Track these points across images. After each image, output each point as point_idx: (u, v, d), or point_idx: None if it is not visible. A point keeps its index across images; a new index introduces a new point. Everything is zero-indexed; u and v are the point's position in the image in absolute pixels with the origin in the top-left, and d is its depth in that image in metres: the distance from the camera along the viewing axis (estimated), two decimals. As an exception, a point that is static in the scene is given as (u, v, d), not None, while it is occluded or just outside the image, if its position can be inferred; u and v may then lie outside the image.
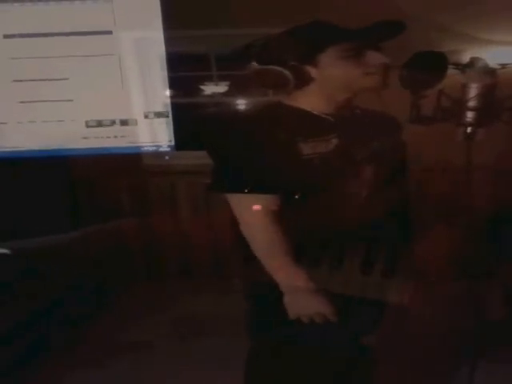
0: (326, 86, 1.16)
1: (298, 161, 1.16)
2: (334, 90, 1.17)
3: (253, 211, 1.19)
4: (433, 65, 1.22)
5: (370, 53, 1.13)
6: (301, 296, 1.23)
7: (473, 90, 1.29)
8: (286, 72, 1.13)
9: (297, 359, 1.32)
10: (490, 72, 1.29)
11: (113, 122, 1.33)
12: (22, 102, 1.30)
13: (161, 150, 1.36)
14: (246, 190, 1.18)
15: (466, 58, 1.31)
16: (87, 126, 1.33)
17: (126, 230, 2.48)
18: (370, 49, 1.13)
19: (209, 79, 2.21)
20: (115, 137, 1.34)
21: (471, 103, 1.30)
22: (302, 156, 1.16)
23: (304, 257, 1.24)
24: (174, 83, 1.33)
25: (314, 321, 1.23)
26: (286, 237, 1.20)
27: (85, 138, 1.34)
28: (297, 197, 1.20)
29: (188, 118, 1.53)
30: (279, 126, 1.17)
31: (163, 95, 1.32)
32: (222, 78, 2.21)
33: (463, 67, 1.29)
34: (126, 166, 2.05)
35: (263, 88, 1.27)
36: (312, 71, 1.14)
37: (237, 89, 2.02)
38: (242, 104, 2.03)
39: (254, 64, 1.17)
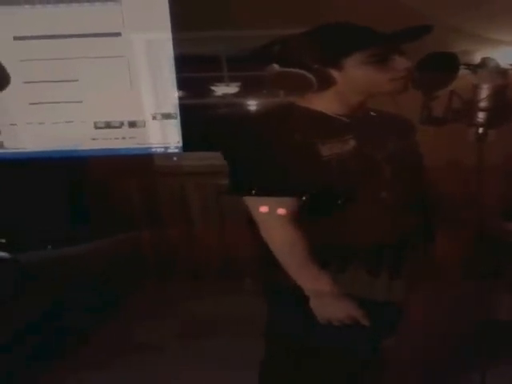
0: (347, 89, 1.14)
1: (316, 162, 1.14)
2: (353, 93, 1.15)
3: (272, 214, 1.18)
4: (444, 65, 1.20)
5: (395, 57, 1.11)
6: (328, 300, 1.22)
7: (484, 91, 1.28)
8: (310, 75, 1.10)
9: (314, 361, 1.32)
10: (502, 72, 1.27)
11: (121, 124, 1.34)
12: (31, 104, 1.32)
13: (169, 151, 1.36)
14: (265, 193, 1.17)
15: (477, 58, 1.29)
16: (96, 127, 1.34)
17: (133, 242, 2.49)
18: (395, 53, 1.11)
19: (220, 80, 2.20)
20: (123, 138, 1.35)
21: (483, 104, 1.29)
22: (320, 158, 1.14)
23: (325, 259, 1.23)
24: (182, 84, 1.33)
25: (345, 324, 1.22)
26: (307, 239, 1.19)
27: (93, 139, 1.35)
28: (315, 198, 1.17)
29: (198, 119, 1.53)
30: (294, 128, 1.15)
31: (171, 97, 1.32)
32: (236, 80, 2.20)
33: (474, 68, 1.27)
34: (135, 166, 2.06)
35: (283, 90, 1.25)
36: (336, 75, 1.12)
37: (253, 90, 2.00)
38: (256, 105, 2.02)
39: (275, 66, 1.14)
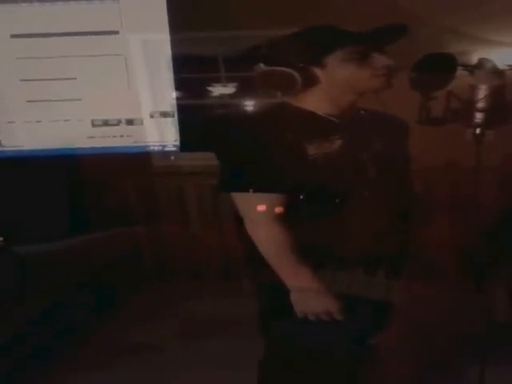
0: (332, 87, 1.17)
1: (303, 161, 1.16)
2: (340, 92, 1.18)
3: (258, 211, 1.20)
4: (442, 66, 1.22)
5: (376, 55, 1.13)
6: (307, 294, 1.23)
7: (481, 91, 1.28)
8: (294, 73, 1.13)
9: (307, 359, 1.32)
10: (499, 73, 1.28)
11: (119, 122, 1.34)
12: (29, 102, 1.32)
13: (166, 149, 1.37)
14: (252, 190, 1.19)
15: (474, 59, 1.30)
16: (93, 125, 1.35)
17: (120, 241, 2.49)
18: (376, 51, 1.14)
19: (216, 80, 2.21)
20: (121, 136, 1.35)
21: (480, 104, 1.29)
22: (307, 156, 1.16)
23: (308, 257, 1.24)
24: (180, 84, 1.34)
25: (320, 319, 1.23)
26: (292, 236, 1.20)
27: (91, 137, 1.35)
28: (301, 197, 1.19)
29: (194, 118, 1.54)
30: (285, 127, 1.17)
31: (169, 95, 1.33)
32: (229, 80, 2.21)
33: (472, 68, 1.28)
34: (134, 166, 2.06)
35: (270, 89, 1.27)
36: (319, 73, 1.15)
37: (243, 90, 2.02)
38: (247, 105, 2.03)
39: (261, 65, 1.17)
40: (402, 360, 1.62)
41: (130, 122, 1.34)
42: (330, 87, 1.16)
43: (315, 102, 1.19)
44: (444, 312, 1.81)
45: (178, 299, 2.45)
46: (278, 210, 1.19)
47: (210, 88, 2.22)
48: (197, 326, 2.30)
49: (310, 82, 1.15)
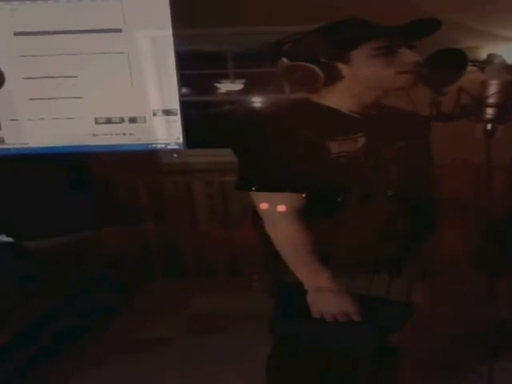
0: (356, 84, 1.13)
1: (325, 159, 1.14)
2: (364, 89, 1.14)
3: (278, 211, 1.18)
4: (453, 62, 1.19)
5: (403, 51, 1.09)
6: (324, 294, 1.22)
7: (492, 87, 1.26)
8: (317, 69, 1.10)
9: (319, 358, 1.31)
10: (509, 68, 1.26)
11: (122, 120, 1.34)
12: (31, 99, 1.32)
13: (169, 147, 1.37)
14: (273, 189, 1.17)
15: (483, 54, 1.28)
16: (96, 123, 1.35)
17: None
18: (403, 47, 1.09)
19: (225, 77, 2.19)
20: (124, 134, 1.35)
21: (491, 100, 1.27)
22: (330, 154, 1.13)
23: (329, 257, 1.22)
24: (185, 81, 1.33)
25: (336, 319, 1.22)
26: (311, 236, 1.19)
27: (94, 135, 1.36)
28: (322, 196, 1.17)
29: (203, 115, 1.53)
30: (306, 124, 1.15)
31: (172, 93, 1.33)
32: (239, 76, 2.19)
33: (482, 64, 1.25)
34: (140, 164, 2.06)
35: (292, 85, 1.25)
36: (343, 68, 1.11)
37: (261, 86, 1.99)
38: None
39: (285, 60, 1.16)
40: (413, 359, 1.61)
41: (132, 120, 1.34)
42: (354, 83, 1.13)
43: (337, 98, 1.16)
44: (455, 310, 1.79)
45: (184, 296, 2.46)
46: (298, 208, 1.18)
47: (219, 85, 2.20)
48: (203, 322, 2.30)
49: (334, 77, 1.11)
